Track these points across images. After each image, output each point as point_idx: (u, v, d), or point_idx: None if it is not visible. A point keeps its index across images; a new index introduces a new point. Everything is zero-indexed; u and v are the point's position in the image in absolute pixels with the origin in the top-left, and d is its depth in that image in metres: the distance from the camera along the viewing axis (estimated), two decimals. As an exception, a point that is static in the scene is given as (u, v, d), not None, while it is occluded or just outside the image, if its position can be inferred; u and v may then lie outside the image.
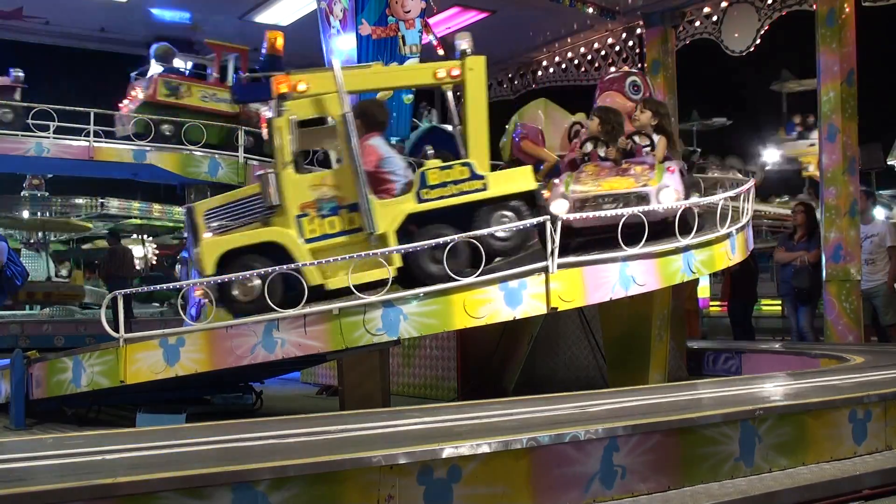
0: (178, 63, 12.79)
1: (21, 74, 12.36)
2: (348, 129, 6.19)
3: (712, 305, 17.35)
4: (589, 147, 7.24)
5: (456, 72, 6.50)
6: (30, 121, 11.35)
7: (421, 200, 6.29)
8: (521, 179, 6.48)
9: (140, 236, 25.76)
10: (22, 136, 11.40)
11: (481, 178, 6.32)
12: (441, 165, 6.34)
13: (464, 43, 6.58)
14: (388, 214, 6.23)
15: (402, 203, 6.30)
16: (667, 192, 6.62)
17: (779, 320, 16.30)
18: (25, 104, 11.55)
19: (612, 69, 9.55)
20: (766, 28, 12.32)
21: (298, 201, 6.19)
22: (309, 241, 6.19)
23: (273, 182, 6.14)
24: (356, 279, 6.00)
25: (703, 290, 15.91)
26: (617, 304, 6.69)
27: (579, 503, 3.89)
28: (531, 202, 6.47)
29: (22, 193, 19.41)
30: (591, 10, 13.60)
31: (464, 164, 6.35)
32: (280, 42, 12.47)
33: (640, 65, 13.95)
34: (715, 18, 12.90)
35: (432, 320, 6.00)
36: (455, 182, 6.30)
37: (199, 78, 12.76)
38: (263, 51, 12.43)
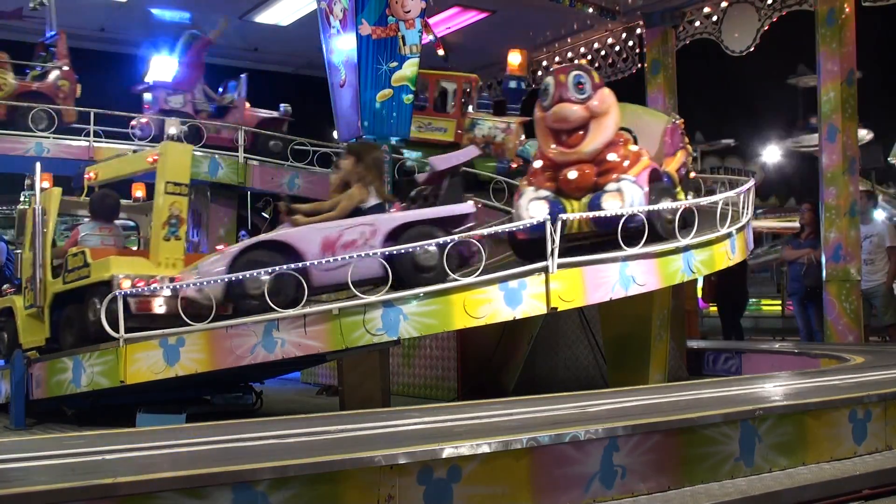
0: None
1: (289, 109, 13.61)
2: (34, 220, 7.18)
3: (712, 305, 17.36)
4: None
5: (156, 157, 7.15)
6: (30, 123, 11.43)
7: (65, 282, 7.09)
8: (104, 269, 6.76)
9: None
10: (22, 136, 11.41)
11: (88, 265, 6.88)
12: (75, 251, 7.04)
13: (171, 128, 7.18)
14: (49, 291, 7.19)
15: (55, 284, 7.15)
16: (193, 276, 6.14)
17: (779, 320, 16.31)
18: (27, 104, 11.56)
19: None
20: (766, 28, 12.32)
21: (25, 276, 7.47)
22: (27, 308, 7.44)
23: (19, 259, 7.78)
24: (28, 343, 7.32)
25: (704, 291, 15.89)
26: (617, 304, 6.68)
27: (579, 503, 3.89)
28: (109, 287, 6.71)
29: (23, 193, 19.41)
30: (591, 10, 13.60)
31: (81, 252, 6.96)
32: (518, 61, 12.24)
33: (640, 64, 13.95)
34: (715, 18, 12.90)
35: (432, 320, 6.00)
36: (78, 268, 6.98)
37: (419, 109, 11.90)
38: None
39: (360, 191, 6.35)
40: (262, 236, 6.29)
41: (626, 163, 6.60)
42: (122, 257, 6.89)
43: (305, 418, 5.15)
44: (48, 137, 11.45)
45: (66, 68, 12.26)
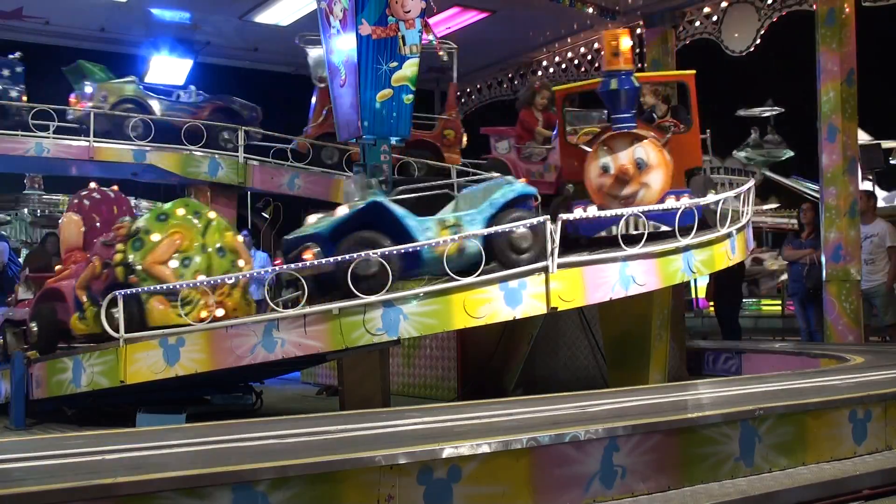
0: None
1: None
2: None
3: (712, 305, 17.36)
4: None
5: None
6: (31, 121, 11.38)
7: None
8: None
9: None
10: (22, 135, 11.40)
11: None
12: None
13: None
14: None
15: None
16: None
17: (779, 320, 16.29)
18: (27, 104, 11.55)
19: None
20: (765, 28, 12.32)
21: None
22: None
23: None
24: None
25: (704, 290, 15.89)
26: (617, 304, 6.68)
27: (579, 503, 3.89)
28: None
29: (24, 192, 19.40)
30: (591, 10, 13.58)
31: None
32: None
33: (640, 65, 13.94)
34: (715, 18, 12.89)
35: (432, 320, 6.00)
36: None
37: None
38: None
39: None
40: None
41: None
42: None
43: (305, 418, 5.15)
44: (48, 137, 11.42)
45: (452, 117, 12.51)
